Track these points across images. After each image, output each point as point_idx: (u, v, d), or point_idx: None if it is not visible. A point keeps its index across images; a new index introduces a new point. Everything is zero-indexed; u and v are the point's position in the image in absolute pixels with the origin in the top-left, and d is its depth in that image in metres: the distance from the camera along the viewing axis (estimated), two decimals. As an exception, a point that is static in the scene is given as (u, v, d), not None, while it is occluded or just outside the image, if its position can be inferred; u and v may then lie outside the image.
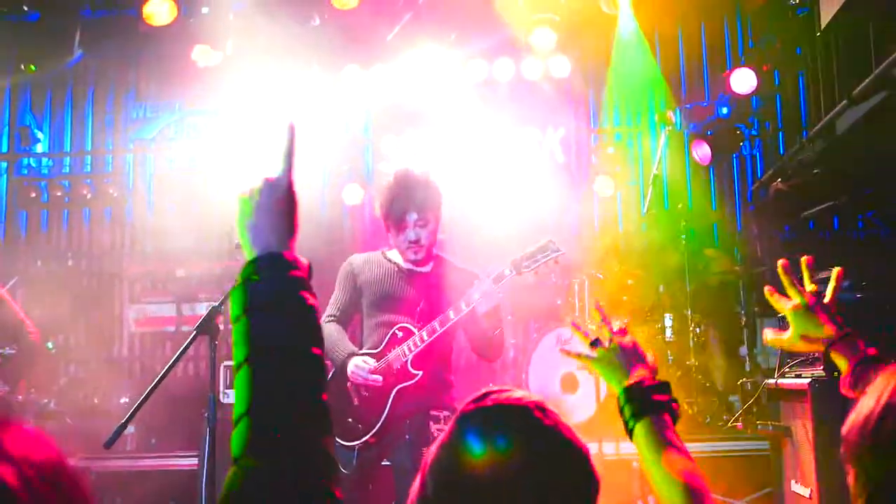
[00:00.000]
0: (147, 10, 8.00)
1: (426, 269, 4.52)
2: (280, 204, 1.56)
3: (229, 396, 6.77)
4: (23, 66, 8.32)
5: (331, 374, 4.44)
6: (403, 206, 4.35)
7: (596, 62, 9.06)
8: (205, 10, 8.25)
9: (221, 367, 6.80)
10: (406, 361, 4.28)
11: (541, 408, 1.48)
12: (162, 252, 8.24)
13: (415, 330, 4.31)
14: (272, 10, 8.19)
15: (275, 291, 1.49)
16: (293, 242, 1.52)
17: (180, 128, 9.35)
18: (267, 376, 1.42)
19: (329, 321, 4.55)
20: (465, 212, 8.47)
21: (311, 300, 1.51)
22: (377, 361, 4.32)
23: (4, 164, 9.45)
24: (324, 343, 1.54)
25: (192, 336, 4.35)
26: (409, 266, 4.50)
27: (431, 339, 4.26)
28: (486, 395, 1.51)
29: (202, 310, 6.61)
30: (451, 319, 4.22)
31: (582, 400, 6.92)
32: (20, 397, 7.49)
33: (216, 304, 4.28)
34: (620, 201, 9.10)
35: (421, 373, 4.26)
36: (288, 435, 1.39)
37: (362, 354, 4.38)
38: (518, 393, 1.52)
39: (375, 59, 8.81)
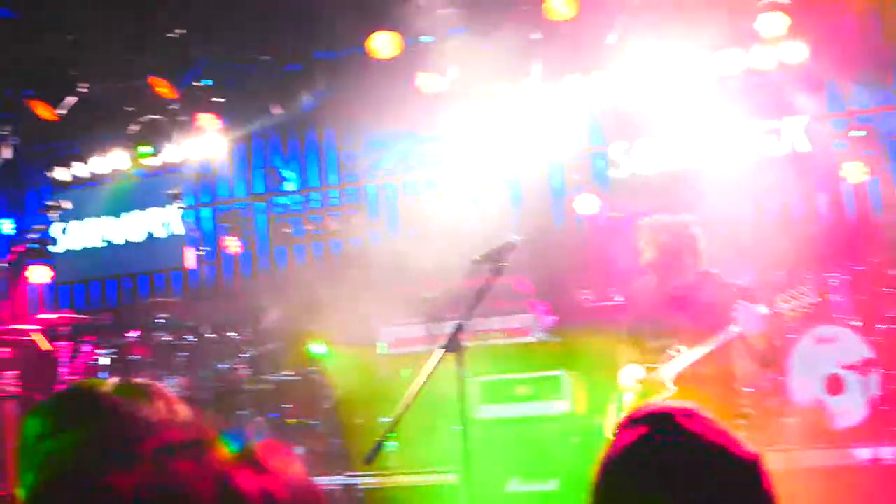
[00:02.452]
0: (372, 44, 8.38)
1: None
2: None
3: (482, 412, 6.91)
4: (273, 111, 8.99)
5: None
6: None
7: (836, 43, 8.51)
8: (426, 38, 8.54)
9: (473, 384, 6.97)
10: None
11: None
12: (408, 275, 8.56)
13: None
14: (490, 31, 8.34)
15: None
16: None
17: (415, 155, 9.71)
18: None
19: None
20: (705, 213, 8.24)
21: None
22: None
23: (263, 205, 10.22)
24: None
25: (441, 354, 4.51)
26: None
27: None
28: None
29: (447, 328, 6.87)
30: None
31: (849, 402, 6.50)
32: (291, 421, 8.05)
33: (459, 321, 4.42)
34: (874, 187, 8.49)
35: None
36: None
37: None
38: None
39: (597, 66, 8.75)
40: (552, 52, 8.65)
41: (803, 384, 6.73)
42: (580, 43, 8.67)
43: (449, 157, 9.54)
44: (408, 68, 8.75)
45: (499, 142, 9.22)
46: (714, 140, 8.65)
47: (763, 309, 4.21)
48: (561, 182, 9.31)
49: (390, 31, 8.41)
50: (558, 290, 8.24)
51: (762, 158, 8.55)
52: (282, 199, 10.15)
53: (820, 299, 7.14)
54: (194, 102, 9.06)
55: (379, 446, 4.52)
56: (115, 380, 1.71)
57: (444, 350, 4.50)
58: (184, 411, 1.44)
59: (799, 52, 8.34)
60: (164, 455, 1.18)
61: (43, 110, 8.53)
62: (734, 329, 4.24)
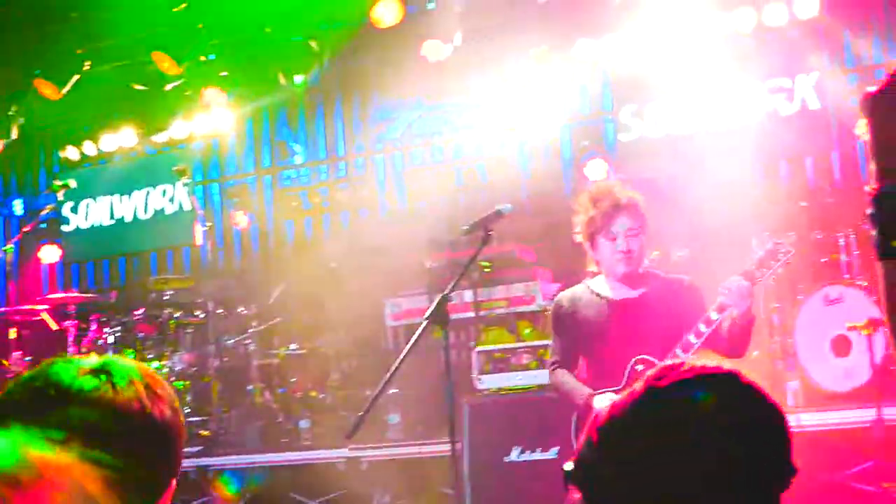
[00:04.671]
0: (375, 13, 8.29)
1: (636, 294, 4.32)
2: None
3: (483, 382, 6.87)
4: (282, 79, 8.96)
5: (574, 418, 4.42)
6: (611, 213, 4.19)
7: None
8: (431, 5, 8.44)
9: (475, 353, 6.93)
10: None
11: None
12: (414, 245, 8.54)
13: (655, 361, 4.08)
14: None
15: None
16: None
17: (423, 123, 9.64)
18: None
19: (554, 368, 4.47)
20: (715, 175, 8.11)
21: None
22: None
23: (269, 178, 10.20)
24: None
25: (422, 326, 4.48)
26: (621, 297, 4.31)
27: None
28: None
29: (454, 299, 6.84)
30: (693, 345, 4.11)
31: (857, 362, 6.36)
32: (299, 394, 8.08)
33: (445, 292, 4.40)
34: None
35: None
36: None
37: (603, 393, 4.19)
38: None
39: (606, 29, 8.60)
40: (560, 15, 8.52)
41: (810, 345, 6.61)
42: (587, 5, 8.53)
43: (457, 126, 9.46)
44: (413, 36, 8.67)
45: (507, 109, 9.13)
46: (724, 101, 8.47)
47: (745, 282, 4.07)
48: (570, 148, 9.19)
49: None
50: (565, 257, 8.16)
51: (774, 118, 8.35)
52: (289, 173, 10.14)
53: (826, 259, 7.05)
54: (200, 77, 9.06)
55: (359, 421, 4.49)
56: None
57: (429, 321, 4.46)
58: None
59: (811, 6, 8.12)
60: None
61: (47, 90, 8.59)
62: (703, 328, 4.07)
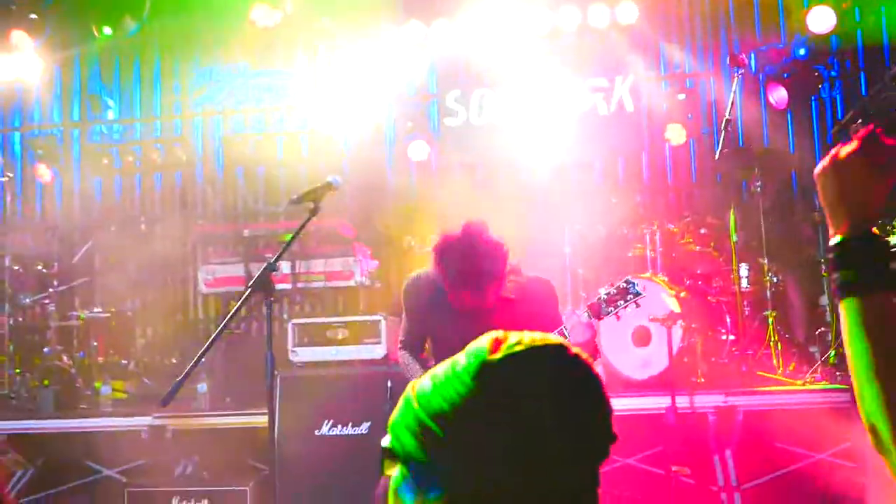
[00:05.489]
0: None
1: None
2: None
3: (298, 354, 6.82)
4: (95, 31, 8.45)
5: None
6: (463, 283, 3.97)
7: (666, 6, 8.78)
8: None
9: (290, 326, 6.86)
10: None
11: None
12: (230, 213, 8.34)
13: None
14: None
15: None
16: None
17: (246, 90, 9.39)
18: None
19: (401, 347, 4.47)
20: (535, 166, 8.40)
21: None
22: None
23: (77, 132, 9.63)
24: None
25: (245, 294, 4.34)
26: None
27: None
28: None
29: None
30: None
31: (655, 352, 6.76)
32: (101, 359, 7.72)
33: (270, 262, 4.25)
34: (694, 149, 8.83)
35: None
36: None
37: None
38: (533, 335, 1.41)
39: (438, 14, 8.70)
40: None
41: (613, 335, 6.95)
42: None
43: (280, 95, 9.28)
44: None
45: (333, 83, 9.05)
46: (547, 95, 8.75)
47: (585, 318, 4.20)
48: (393, 128, 9.22)
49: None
50: (383, 235, 8.21)
51: (592, 115, 8.72)
52: (100, 128, 9.59)
53: (632, 253, 7.46)
54: (8, 18, 8.44)
55: (177, 387, 4.37)
56: None
57: (252, 290, 4.34)
58: None
59: (630, 12, 8.54)
60: None
61: None
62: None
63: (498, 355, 1.35)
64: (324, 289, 7.65)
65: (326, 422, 6.30)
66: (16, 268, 7.63)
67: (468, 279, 3.99)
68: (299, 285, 7.51)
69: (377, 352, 6.77)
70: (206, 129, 9.52)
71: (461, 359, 1.36)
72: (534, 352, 1.36)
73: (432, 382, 1.36)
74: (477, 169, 9.07)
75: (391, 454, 1.36)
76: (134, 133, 9.53)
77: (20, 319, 7.52)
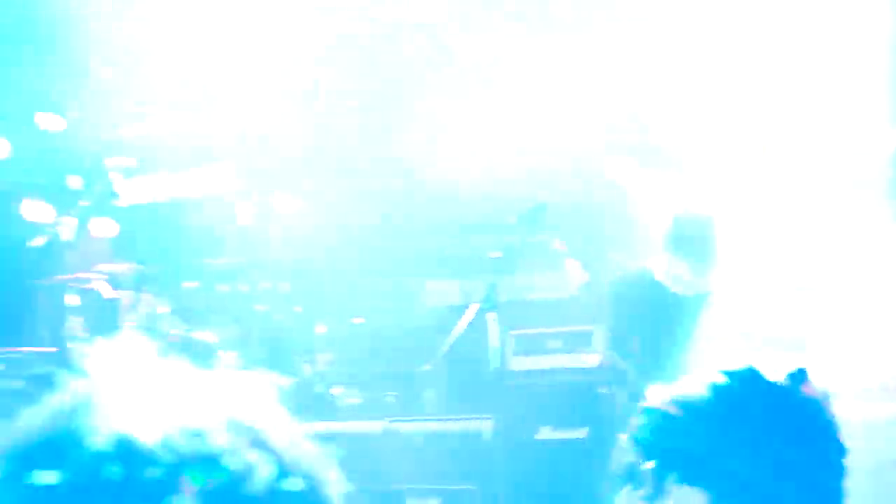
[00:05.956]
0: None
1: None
2: None
3: (515, 363, 7.21)
4: None
5: None
6: None
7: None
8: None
9: (507, 336, 7.22)
10: None
11: None
12: (450, 233, 8.87)
13: None
14: None
15: None
16: None
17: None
18: None
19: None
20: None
21: None
22: None
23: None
24: None
25: (470, 308, 4.76)
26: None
27: None
28: None
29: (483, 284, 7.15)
30: None
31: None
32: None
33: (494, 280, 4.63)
34: None
35: None
36: None
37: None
38: None
39: None
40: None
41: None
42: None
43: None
44: None
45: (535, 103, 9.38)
46: None
47: None
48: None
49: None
50: (593, 250, 8.50)
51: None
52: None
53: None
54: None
55: (419, 394, 4.82)
56: None
57: (479, 305, 4.82)
58: None
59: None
60: None
61: None
62: None
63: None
64: (537, 301, 8.01)
65: (545, 426, 6.64)
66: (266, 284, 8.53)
67: None
68: (514, 298, 7.93)
69: (591, 360, 7.08)
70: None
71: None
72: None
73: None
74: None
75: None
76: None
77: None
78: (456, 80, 9.06)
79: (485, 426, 6.86)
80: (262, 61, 8.49)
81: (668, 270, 4.58)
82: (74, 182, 9.74)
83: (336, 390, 8.13)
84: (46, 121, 9.43)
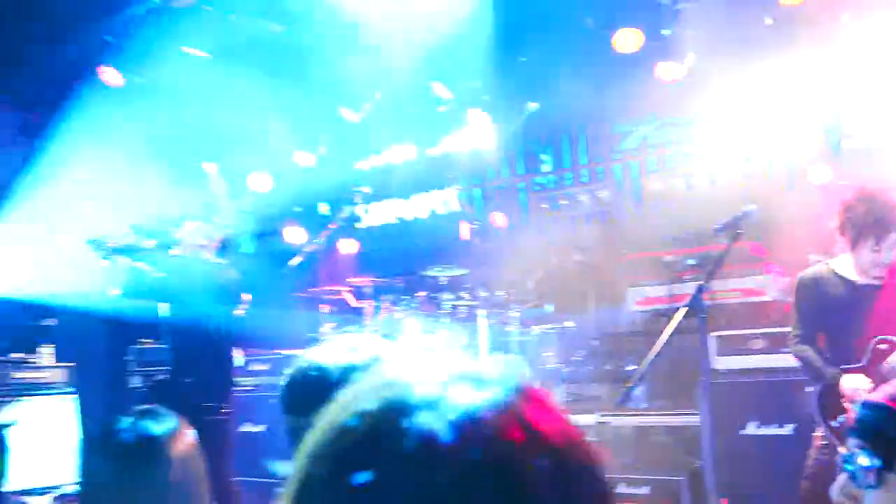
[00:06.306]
0: (616, 39, 9.47)
1: (878, 281, 4.64)
2: None
3: (720, 362, 7.69)
4: (528, 105, 10.43)
5: (817, 393, 4.77)
6: (887, 228, 4.44)
7: None
8: (666, 31, 9.48)
9: (712, 337, 7.64)
10: None
11: None
12: (652, 243, 9.49)
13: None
14: (730, 10, 9.02)
15: None
16: None
17: (658, 136, 10.72)
18: None
19: (796, 341, 4.89)
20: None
21: None
22: (870, 376, 4.47)
23: (524, 185, 11.71)
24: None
25: (682, 311, 4.79)
26: (866, 282, 4.63)
27: None
28: None
29: (687, 289, 7.58)
30: None
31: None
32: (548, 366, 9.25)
33: (702, 283, 4.81)
34: None
35: None
36: None
37: (850, 372, 4.53)
38: None
39: (831, 44, 8.94)
40: (786, 35, 9.06)
41: None
42: (813, 24, 8.98)
43: (687, 139, 10.39)
44: (649, 59, 9.61)
45: (736, 122, 9.84)
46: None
47: None
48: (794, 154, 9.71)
49: (633, 28, 9.44)
50: (792, 253, 8.79)
51: None
52: (540, 179, 11.59)
53: None
54: (467, 101, 10.79)
55: (630, 391, 5.11)
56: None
57: (686, 308, 4.89)
58: None
59: None
60: None
61: (349, 115, 10.42)
62: None
63: None
64: (739, 304, 8.31)
65: (751, 422, 6.86)
66: (485, 294, 9.40)
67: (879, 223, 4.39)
68: (718, 302, 8.37)
69: (793, 360, 7.39)
70: (624, 174, 10.95)
71: None
72: None
73: None
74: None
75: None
76: (565, 181, 11.35)
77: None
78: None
79: (691, 421, 7.04)
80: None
81: (853, 265, 4.72)
82: (324, 208, 11.32)
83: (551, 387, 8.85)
84: (300, 158, 11.18)
